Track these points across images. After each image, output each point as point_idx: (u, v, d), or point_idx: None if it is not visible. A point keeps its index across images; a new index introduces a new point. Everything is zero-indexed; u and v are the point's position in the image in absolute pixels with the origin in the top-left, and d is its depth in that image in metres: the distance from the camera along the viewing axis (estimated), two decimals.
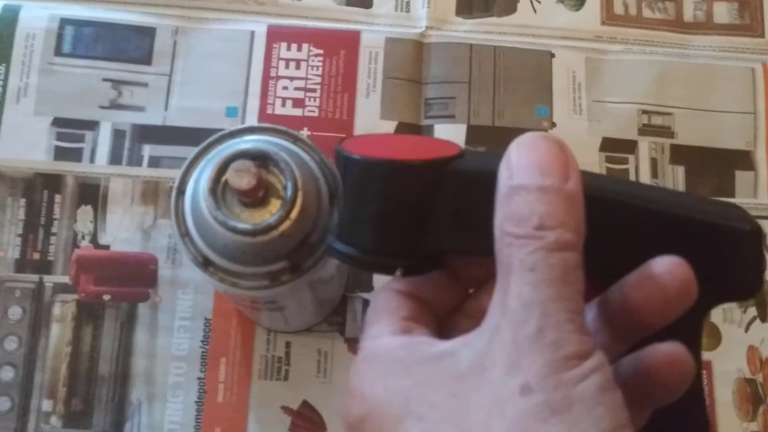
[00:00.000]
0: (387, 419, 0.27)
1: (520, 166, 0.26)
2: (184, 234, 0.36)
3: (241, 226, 0.34)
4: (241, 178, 0.33)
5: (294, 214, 0.34)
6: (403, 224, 0.30)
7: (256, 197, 0.34)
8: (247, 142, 0.36)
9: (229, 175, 0.33)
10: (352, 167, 0.30)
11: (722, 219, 0.29)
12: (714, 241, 0.29)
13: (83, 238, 0.53)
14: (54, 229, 0.53)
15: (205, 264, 0.36)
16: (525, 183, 0.26)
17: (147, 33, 0.57)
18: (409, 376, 0.27)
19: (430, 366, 0.27)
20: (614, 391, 0.24)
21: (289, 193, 0.34)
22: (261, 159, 0.35)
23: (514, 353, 0.25)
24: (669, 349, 0.28)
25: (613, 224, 0.28)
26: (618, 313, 0.28)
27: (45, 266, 0.52)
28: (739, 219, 0.29)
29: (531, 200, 0.25)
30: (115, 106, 0.56)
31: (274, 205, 0.35)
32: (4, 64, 0.55)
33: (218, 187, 0.34)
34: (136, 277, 0.52)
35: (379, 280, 0.53)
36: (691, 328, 0.29)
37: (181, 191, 0.37)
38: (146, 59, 0.57)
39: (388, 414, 0.27)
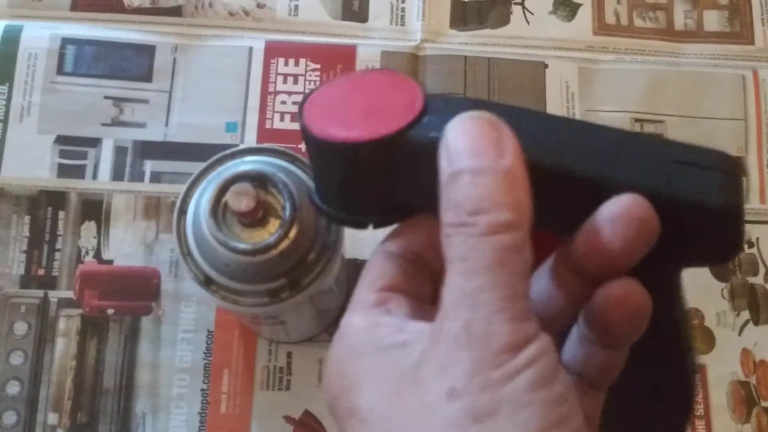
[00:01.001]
0: (340, 412, 0.26)
1: (456, 150, 0.25)
2: (186, 254, 0.37)
3: (241, 246, 0.35)
4: (241, 200, 0.34)
5: (292, 233, 0.35)
6: (365, 190, 0.30)
7: (256, 218, 0.35)
8: (247, 164, 0.37)
9: (229, 198, 0.34)
10: (310, 140, 0.29)
11: (694, 192, 0.25)
12: (684, 216, 0.25)
13: (87, 253, 0.54)
14: (58, 245, 0.54)
15: (207, 282, 0.37)
16: (460, 168, 0.24)
17: (147, 51, 0.58)
18: (362, 368, 0.26)
19: (382, 358, 0.26)
20: (549, 386, 0.23)
21: (288, 213, 0.35)
22: (260, 180, 0.36)
23: (443, 353, 0.23)
24: (619, 285, 0.26)
25: (568, 192, 0.26)
26: (583, 259, 0.27)
27: (49, 282, 0.53)
28: (715, 189, 0.25)
29: (465, 185, 0.24)
30: (116, 123, 0.57)
31: (273, 225, 0.36)
32: (7, 84, 0.56)
33: (219, 209, 0.35)
34: (139, 291, 0.53)
35: None
36: (664, 286, 0.28)
37: (182, 212, 0.38)
38: (146, 77, 0.58)
39: (341, 407, 0.26)
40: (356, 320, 0.27)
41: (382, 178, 0.29)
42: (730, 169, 0.26)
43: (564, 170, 0.26)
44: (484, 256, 0.23)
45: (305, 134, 0.29)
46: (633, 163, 0.26)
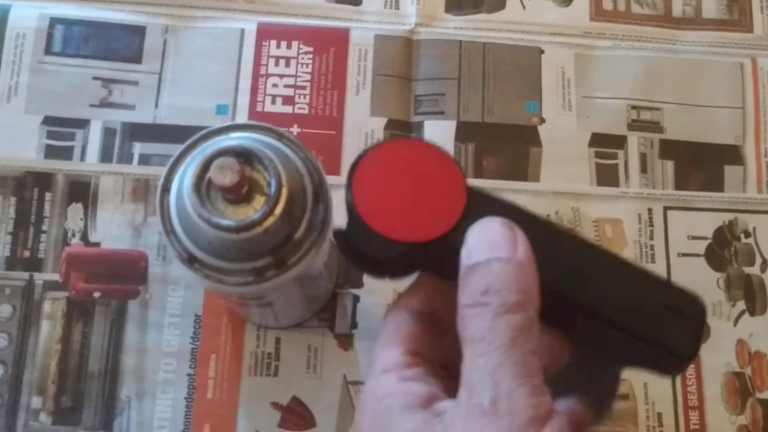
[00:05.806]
0: None
1: (474, 247, 0.29)
2: (170, 231, 0.36)
3: (225, 222, 0.34)
4: (224, 174, 0.33)
5: (278, 210, 0.35)
6: (393, 261, 0.34)
7: (240, 194, 0.34)
8: (232, 140, 0.37)
9: (213, 172, 0.33)
10: (355, 220, 0.32)
11: (672, 338, 0.32)
12: (658, 352, 0.32)
13: (73, 235, 0.53)
14: (44, 227, 0.53)
15: (191, 260, 0.36)
16: (478, 260, 0.28)
17: (137, 32, 0.57)
18: (395, 430, 0.28)
19: (414, 422, 0.28)
20: None
21: (273, 189, 0.34)
22: (245, 156, 0.35)
23: (473, 427, 0.26)
24: None
25: (568, 309, 0.31)
26: None
27: (35, 264, 0.52)
28: (687, 338, 0.32)
29: (482, 273, 0.28)
30: (105, 104, 0.56)
31: (258, 202, 0.35)
32: None
33: (202, 184, 0.34)
34: (126, 275, 0.53)
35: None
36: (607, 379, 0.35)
37: (166, 189, 0.37)
38: (136, 58, 0.57)
39: None
40: (388, 385, 0.30)
41: (411, 257, 0.33)
42: (702, 318, 0.33)
43: (568, 299, 0.31)
44: (501, 335, 0.26)
45: (352, 212, 0.32)
46: (627, 300, 0.32)
